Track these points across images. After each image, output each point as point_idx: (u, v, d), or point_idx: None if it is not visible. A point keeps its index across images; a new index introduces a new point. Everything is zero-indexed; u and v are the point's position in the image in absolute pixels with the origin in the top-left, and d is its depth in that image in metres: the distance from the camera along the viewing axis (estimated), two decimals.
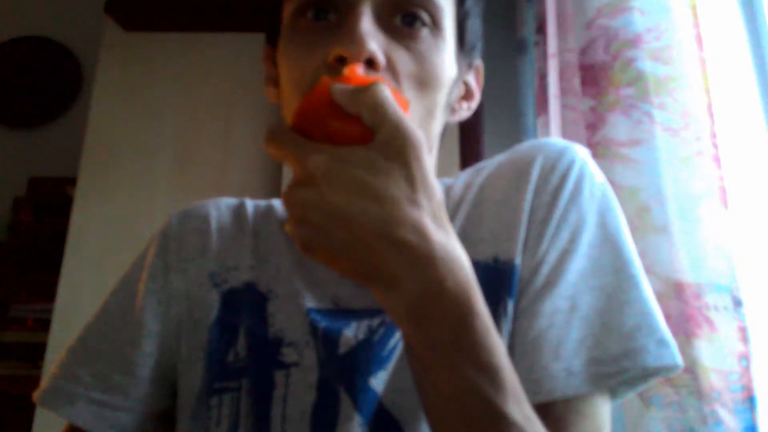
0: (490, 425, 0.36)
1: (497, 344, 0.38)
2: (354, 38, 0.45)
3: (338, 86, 0.37)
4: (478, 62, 0.61)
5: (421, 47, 0.49)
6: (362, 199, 0.34)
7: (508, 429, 0.36)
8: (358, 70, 0.39)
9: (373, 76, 0.38)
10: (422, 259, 0.35)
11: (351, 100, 0.36)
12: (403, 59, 0.48)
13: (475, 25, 0.57)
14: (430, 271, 0.35)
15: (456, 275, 0.36)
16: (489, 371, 0.37)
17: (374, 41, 0.46)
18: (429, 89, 0.50)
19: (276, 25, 0.56)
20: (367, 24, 0.46)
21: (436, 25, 0.50)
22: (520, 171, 0.54)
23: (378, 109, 0.35)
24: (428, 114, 0.50)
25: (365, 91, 0.36)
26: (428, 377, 0.38)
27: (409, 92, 0.48)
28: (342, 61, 0.45)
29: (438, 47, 0.51)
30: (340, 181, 0.34)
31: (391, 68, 0.48)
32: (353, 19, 0.47)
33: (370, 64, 0.46)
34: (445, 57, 0.52)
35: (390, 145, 0.35)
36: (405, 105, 0.38)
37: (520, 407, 0.37)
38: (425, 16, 0.50)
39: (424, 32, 0.50)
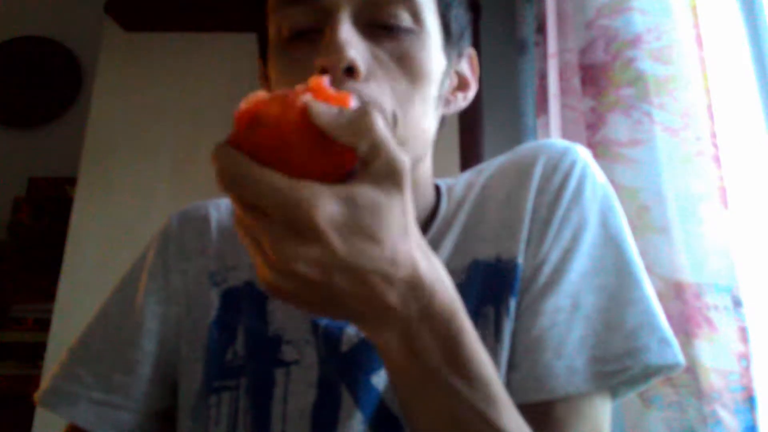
0: None
1: (486, 357, 0.39)
2: (333, 47, 0.45)
3: (322, 108, 0.32)
4: (470, 50, 0.60)
5: (404, 47, 0.49)
6: (367, 244, 0.32)
7: None
8: (324, 83, 0.34)
9: (343, 91, 0.35)
10: (414, 289, 0.35)
11: (344, 128, 0.32)
12: (387, 62, 0.48)
13: (460, 13, 0.56)
14: (419, 294, 0.35)
15: (442, 294, 0.36)
16: (481, 385, 0.37)
17: (354, 49, 0.45)
18: (418, 86, 0.49)
19: (265, 43, 0.55)
20: (345, 32, 0.46)
21: (417, 22, 0.50)
22: (522, 171, 0.54)
23: (376, 138, 0.32)
24: (421, 109, 0.50)
25: (361, 117, 0.32)
26: (421, 400, 0.38)
27: (398, 93, 0.48)
28: (325, 73, 0.44)
29: (422, 43, 0.50)
30: (352, 232, 0.31)
31: (376, 73, 0.47)
32: (331, 29, 0.46)
33: (350, 72, 0.45)
34: (431, 51, 0.51)
35: (389, 178, 0.33)
36: (345, 100, 0.34)
37: (511, 417, 0.38)
38: (405, 15, 0.49)
39: (406, 29, 0.49)
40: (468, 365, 0.37)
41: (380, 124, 0.33)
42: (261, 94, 0.32)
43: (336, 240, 0.31)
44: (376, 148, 0.32)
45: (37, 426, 1.42)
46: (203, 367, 0.54)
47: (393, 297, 0.34)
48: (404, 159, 0.33)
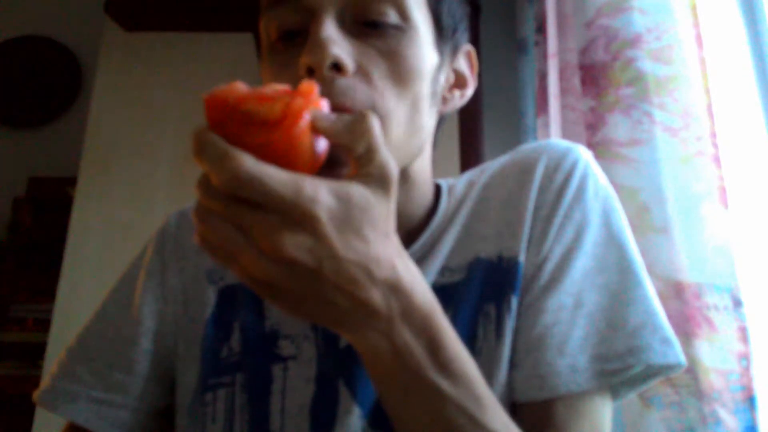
0: None
1: (468, 357, 0.39)
2: (317, 45, 0.44)
3: (322, 114, 0.35)
4: (468, 47, 0.59)
5: (392, 44, 0.48)
6: (356, 240, 0.34)
7: None
8: (316, 92, 0.35)
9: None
10: (394, 290, 0.36)
11: (342, 131, 0.34)
12: (375, 60, 0.47)
13: (452, 7, 0.55)
14: (399, 295, 0.36)
15: (421, 295, 0.38)
16: (466, 383, 0.38)
17: (338, 47, 0.45)
18: (408, 84, 0.48)
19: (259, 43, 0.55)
20: (329, 30, 0.46)
21: (404, 18, 0.49)
22: (524, 170, 0.54)
23: (372, 145, 0.35)
24: (413, 107, 0.49)
25: (358, 121, 0.35)
26: (408, 404, 0.38)
27: (387, 91, 0.47)
28: (311, 72, 0.44)
29: (410, 40, 0.49)
30: (345, 226, 0.33)
31: (364, 71, 0.47)
32: (316, 28, 0.46)
33: (338, 69, 0.45)
34: (421, 48, 0.50)
35: (379, 182, 0.35)
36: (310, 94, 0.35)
37: (497, 415, 0.39)
38: (391, 12, 0.49)
39: (392, 26, 0.49)
40: (451, 364, 0.38)
41: (377, 129, 0.35)
42: (238, 85, 0.33)
43: (332, 232, 0.32)
44: (371, 151, 0.35)
45: (37, 426, 1.42)
46: (199, 365, 0.54)
47: (376, 296, 0.35)
48: (394, 167, 0.35)
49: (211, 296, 0.57)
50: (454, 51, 0.56)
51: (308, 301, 0.34)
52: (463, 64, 0.58)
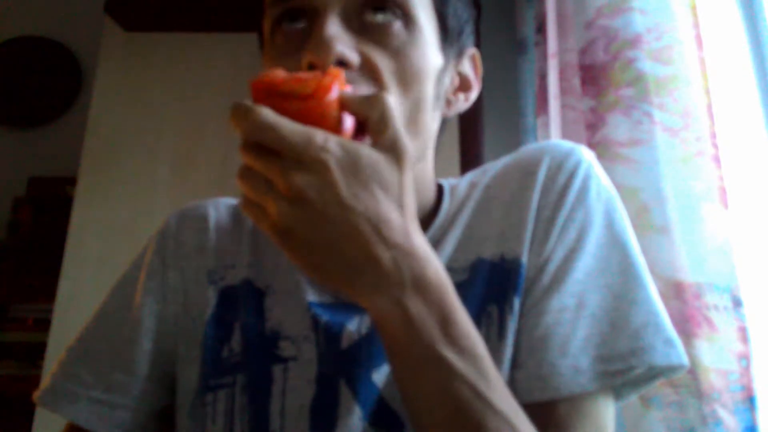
0: (479, 412, 0.37)
1: (478, 336, 0.40)
2: (321, 43, 0.45)
3: (347, 91, 0.39)
4: (473, 50, 0.59)
5: (396, 42, 0.49)
6: (362, 192, 0.36)
7: (494, 417, 0.37)
8: (342, 75, 0.40)
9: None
10: (408, 257, 0.38)
11: (360, 101, 0.38)
12: (379, 57, 0.48)
13: (458, 9, 0.55)
14: (413, 263, 0.38)
15: (435, 269, 0.39)
16: (475, 361, 0.38)
17: (342, 43, 0.46)
18: (412, 83, 0.49)
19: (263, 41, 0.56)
20: (333, 27, 0.46)
21: (408, 18, 0.49)
22: (526, 171, 0.54)
23: (385, 115, 0.38)
24: (416, 107, 0.50)
25: (375, 94, 0.39)
26: (418, 378, 0.39)
27: (392, 88, 0.48)
28: (312, 69, 0.45)
29: (414, 39, 0.50)
30: (352, 177, 0.36)
31: (369, 67, 0.47)
32: (320, 25, 0.47)
33: (343, 65, 0.45)
34: (425, 48, 0.50)
35: (391, 151, 0.38)
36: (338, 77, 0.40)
37: (504, 396, 0.39)
38: (395, 11, 0.49)
39: (397, 27, 0.49)
40: (462, 341, 0.38)
41: (391, 103, 0.39)
42: (278, 71, 0.39)
43: (339, 178, 0.35)
44: (384, 122, 0.38)
45: (37, 426, 1.42)
46: (200, 365, 0.54)
47: (386, 256, 0.37)
48: (408, 144, 0.39)
49: (211, 296, 0.57)
50: (460, 54, 0.56)
51: (320, 249, 0.36)
52: (467, 67, 0.58)
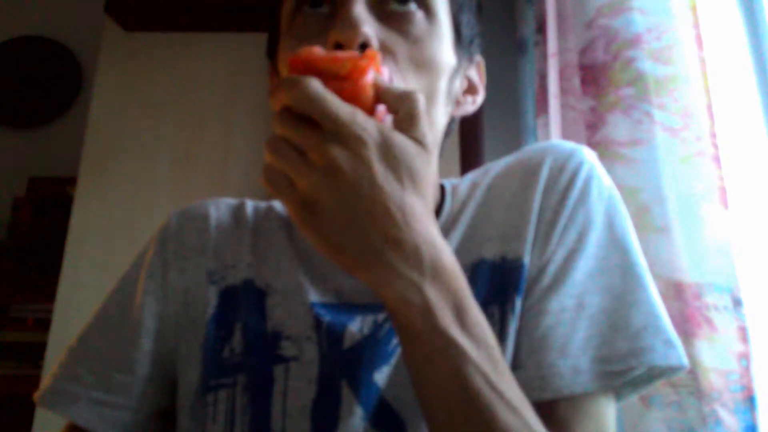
0: (490, 400, 0.37)
1: (487, 323, 0.40)
2: (348, 24, 0.46)
3: (382, 77, 0.41)
4: (479, 58, 0.61)
5: (416, 31, 0.51)
6: (391, 176, 0.37)
7: (504, 406, 0.38)
8: (378, 58, 0.41)
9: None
10: (427, 243, 0.38)
11: (393, 94, 0.40)
12: (399, 43, 0.50)
13: (471, 20, 0.58)
14: (431, 250, 0.39)
15: (449, 258, 0.40)
16: (487, 348, 0.39)
17: (368, 26, 0.47)
18: (427, 72, 0.51)
19: (274, 36, 0.57)
20: (360, 9, 0.48)
21: (429, 11, 0.52)
22: (528, 172, 0.54)
23: (416, 113, 0.39)
24: (429, 99, 0.51)
25: (408, 91, 0.40)
26: (431, 365, 0.38)
27: (408, 75, 0.49)
28: (339, 48, 0.46)
29: (433, 32, 0.52)
30: (385, 155, 0.37)
31: (388, 53, 0.49)
32: (347, 6, 0.48)
33: (364, 49, 0.46)
34: (442, 43, 0.53)
35: (419, 144, 0.39)
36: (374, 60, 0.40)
37: (512, 386, 0.39)
38: (419, 2, 0.52)
39: (418, 16, 0.51)
40: (474, 328, 0.39)
41: (422, 103, 0.40)
42: (316, 49, 0.40)
43: (375, 158, 0.37)
44: (414, 117, 0.39)
45: (37, 426, 1.42)
46: (200, 366, 0.54)
47: (409, 240, 0.37)
48: (433, 139, 0.40)
49: (212, 297, 0.57)
50: (469, 59, 0.59)
51: (343, 226, 0.36)
52: (474, 73, 0.61)
